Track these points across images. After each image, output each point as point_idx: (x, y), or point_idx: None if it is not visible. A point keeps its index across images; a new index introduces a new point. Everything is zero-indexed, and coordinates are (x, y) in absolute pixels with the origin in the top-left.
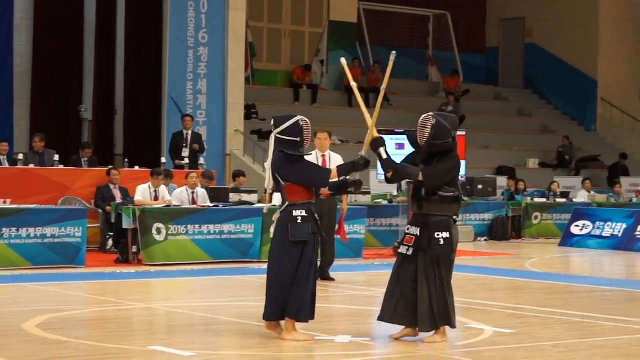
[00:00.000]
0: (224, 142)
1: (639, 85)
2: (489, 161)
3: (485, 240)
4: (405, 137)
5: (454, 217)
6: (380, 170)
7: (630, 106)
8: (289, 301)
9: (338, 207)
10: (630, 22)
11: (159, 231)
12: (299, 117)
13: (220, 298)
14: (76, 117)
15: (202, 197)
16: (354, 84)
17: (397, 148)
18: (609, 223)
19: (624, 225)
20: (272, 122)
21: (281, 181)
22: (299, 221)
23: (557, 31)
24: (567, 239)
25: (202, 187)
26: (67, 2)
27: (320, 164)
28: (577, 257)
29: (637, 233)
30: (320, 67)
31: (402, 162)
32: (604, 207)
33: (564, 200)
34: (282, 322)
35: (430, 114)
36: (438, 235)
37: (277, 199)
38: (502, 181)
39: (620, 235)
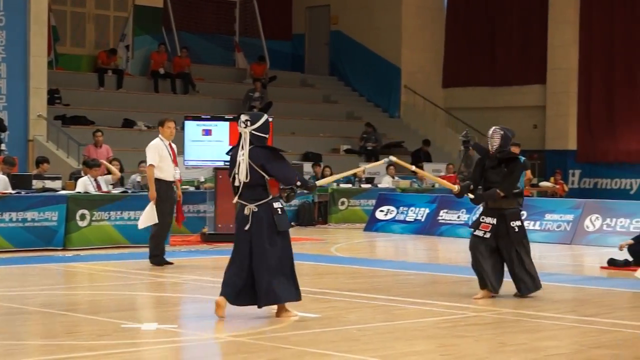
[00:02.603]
0: (26, 128)
1: (441, 73)
2: (295, 147)
3: (292, 225)
4: (214, 123)
5: (520, 208)
6: (187, 157)
7: (432, 93)
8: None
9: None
10: (433, 10)
11: None
12: (267, 116)
13: (24, 287)
14: None
15: (3, 184)
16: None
17: (204, 134)
18: (412, 208)
19: (427, 210)
20: (245, 118)
21: (266, 175)
22: (279, 213)
23: (361, 19)
24: (372, 224)
25: (3, 174)
26: None
27: (170, 153)
28: (381, 241)
29: (439, 218)
30: (126, 52)
31: (472, 168)
32: (407, 192)
33: (369, 185)
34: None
35: (498, 127)
36: (513, 224)
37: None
38: (308, 167)
39: (423, 219)
